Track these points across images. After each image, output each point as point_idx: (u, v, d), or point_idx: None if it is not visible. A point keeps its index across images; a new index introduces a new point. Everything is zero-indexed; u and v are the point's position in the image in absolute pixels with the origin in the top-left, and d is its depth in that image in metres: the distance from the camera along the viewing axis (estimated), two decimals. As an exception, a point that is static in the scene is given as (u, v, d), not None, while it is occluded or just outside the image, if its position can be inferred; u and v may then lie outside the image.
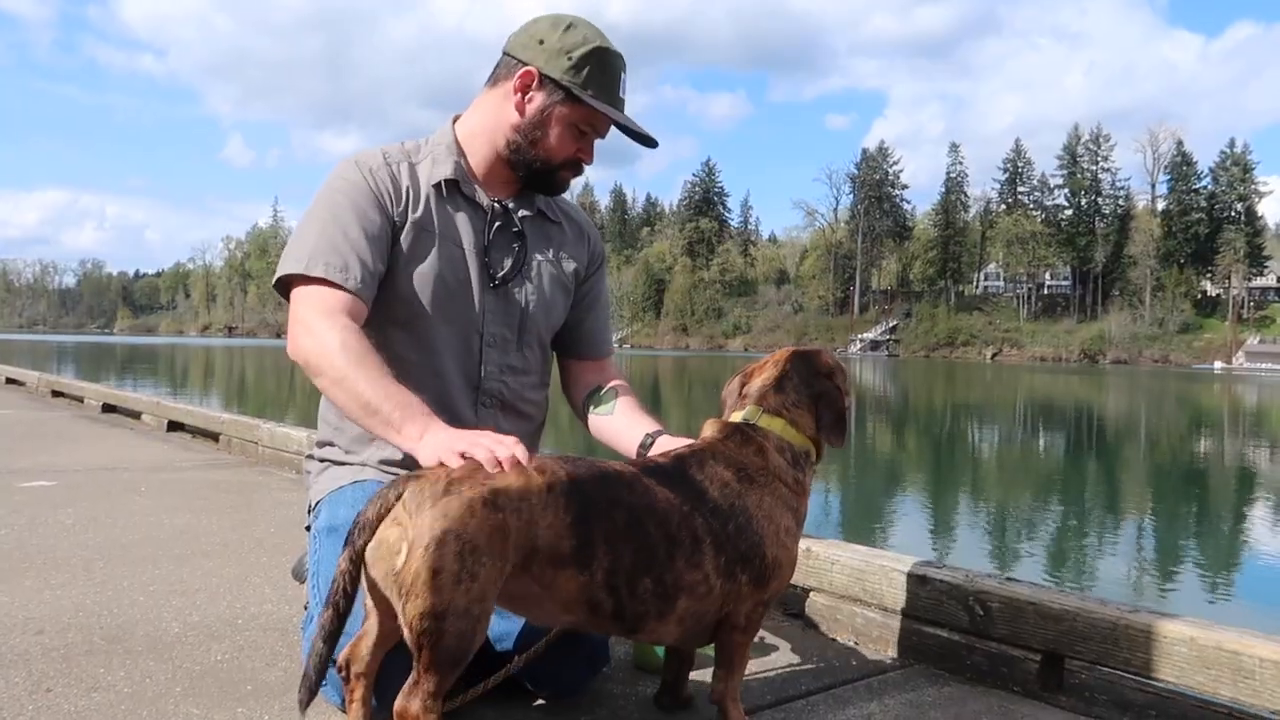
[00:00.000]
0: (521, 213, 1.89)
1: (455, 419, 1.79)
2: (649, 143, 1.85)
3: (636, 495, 1.47)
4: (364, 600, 1.38)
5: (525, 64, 1.78)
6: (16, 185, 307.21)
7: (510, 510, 1.32)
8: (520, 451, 1.40)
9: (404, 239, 1.78)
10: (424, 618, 1.27)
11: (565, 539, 1.38)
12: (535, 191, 1.91)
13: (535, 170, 1.84)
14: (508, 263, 1.85)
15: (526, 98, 1.79)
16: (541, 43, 1.77)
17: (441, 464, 1.38)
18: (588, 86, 1.76)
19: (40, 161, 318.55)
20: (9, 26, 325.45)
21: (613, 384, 1.99)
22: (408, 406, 1.53)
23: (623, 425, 1.89)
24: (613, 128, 1.84)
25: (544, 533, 1.36)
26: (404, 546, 1.27)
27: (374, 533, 1.31)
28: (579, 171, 1.88)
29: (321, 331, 1.62)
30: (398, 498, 1.32)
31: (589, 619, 1.46)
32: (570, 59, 1.75)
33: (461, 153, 1.86)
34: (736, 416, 1.67)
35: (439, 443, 1.45)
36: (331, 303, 1.66)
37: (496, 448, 1.39)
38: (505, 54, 1.84)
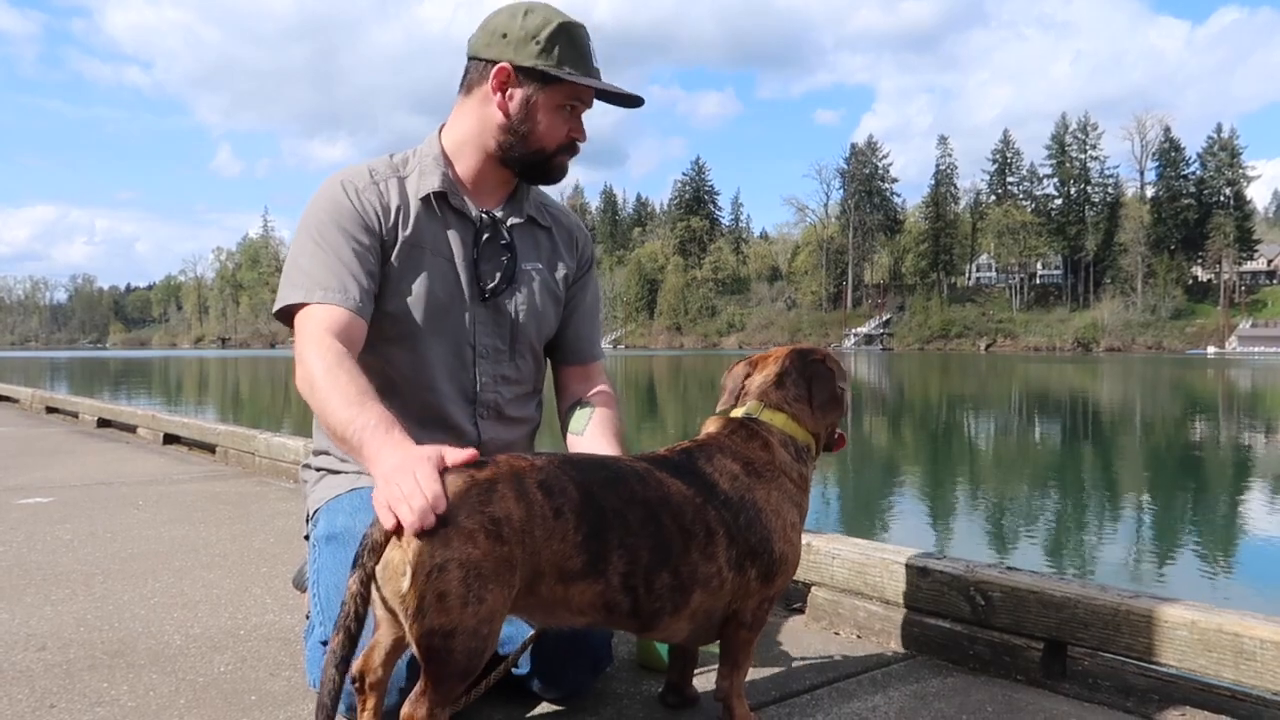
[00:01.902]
0: (511, 220, 1.88)
1: (452, 430, 1.80)
2: (635, 102, 1.84)
3: (650, 489, 1.47)
4: (373, 610, 1.36)
5: (496, 62, 1.76)
6: (5, 202, 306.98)
7: (515, 542, 1.31)
8: (434, 492, 1.27)
9: (396, 258, 1.78)
10: (431, 636, 1.27)
11: (575, 558, 1.37)
12: (534, 183, 1.90)
13: (532, 163, 1.82)
14: (497, 275, 1.84)
15: (507, 95, 1.77)
16: (505, 36, 1.76)
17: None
18: (563, 64, 1.74)
19: (28, 177, 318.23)
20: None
21: (592, 395, 1.97)
22: (365, 429, 1.46)
23: (587, 447, 1.86)
24: (603, 105, 1.84)
25: (552, 557, 1.35)
26: (408, 569, 1.26)
27: (382, 554, 1.29)
28: (575, 152, 1.86)
29: (309, 362, 1.59)
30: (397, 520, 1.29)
31: (605, 619, 1.45)
32: (538, 43, 1.74)
33: (449, 163, 1.85)
34: (738, 412, 1.67)
35: (378, 477, 1.36)
36: (324, 325, 1.64)
37: (411, 498, 1.26)
38: (471, 58, 1.82)
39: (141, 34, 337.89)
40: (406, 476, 1.29)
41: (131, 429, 6.65)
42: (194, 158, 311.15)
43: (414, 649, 1.30)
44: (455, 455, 1.36)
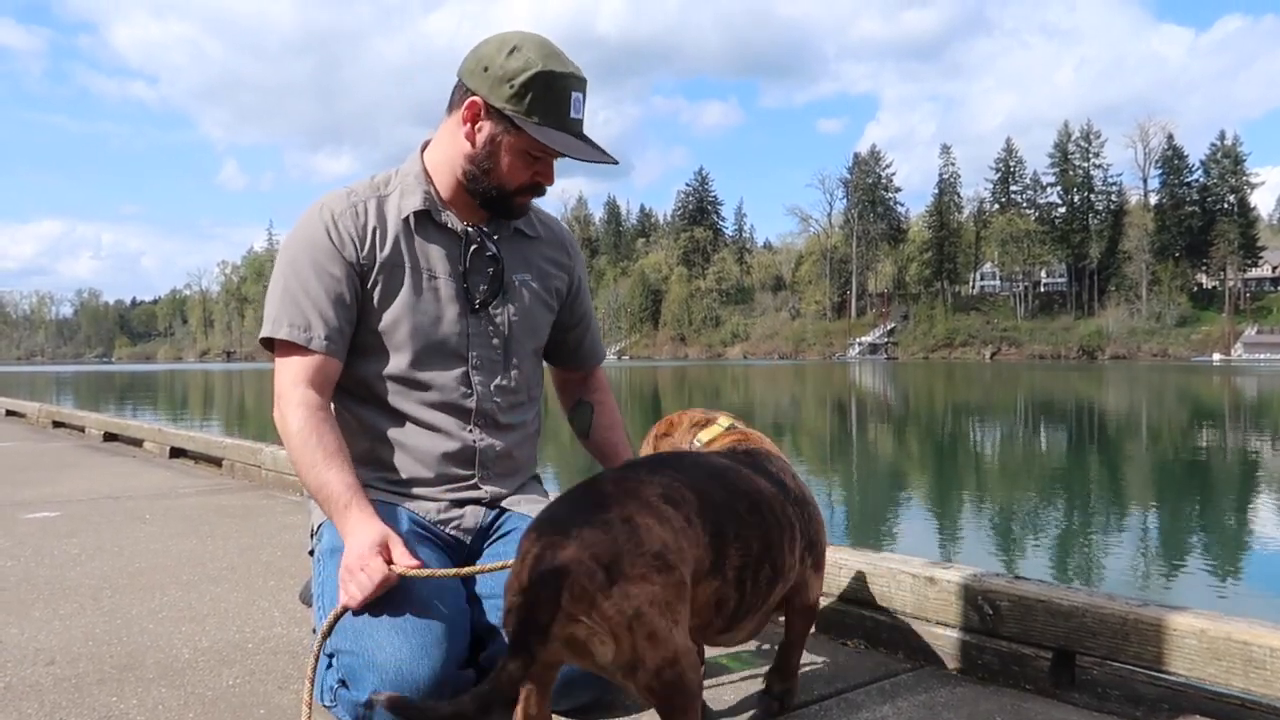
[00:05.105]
0: (499, 233, 1.88)
1: (452, 442, 1.83)
2: (600, 160, 1.76)
3: (745, 482, 1.54)
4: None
5: (472, 93, 1.75)
6: (11, 217, 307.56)
7: (680, 563, 1.33)
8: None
9: (373, 281, 1.79)
10: (662, 672, 1.26)
11: (707, 556, 1.40)
12: (496, 216, 1.88)
13: (491, 197, 1.82)
14: (485, 286, 1.85)
15: (476, 128, 1.76)
16: (486, 70, 1.72)
17: (577, 550, 1.28)
18: (532, 113, 1.70)
19: (34, 193, 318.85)
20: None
21: (593, 394, 2.09)
22: (331, 500, 1.67)
23: (601, 444, 2.05)
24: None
25: (697, 563, 1.38)
26: (608, 639, 1.24)
27: (548, 636, 1.24)
28: (538, 193, 1.84)
29: (285, 411, 1.73)
30: (553, 596, 1.23)
31: (701, 624, 1.44)
32: (512, 87, 1.69)
33: (430, 181, 1.85)
34: (724, 422, 1.84)
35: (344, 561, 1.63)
36: (297, 372, 1.74)
37: (364, 589, 1.56)
38: (459, 78, 1.81)
39: (147, 49, 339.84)
40: (360, 572, 1.57)
41: (138, 443, 6.67)
42: (199, 171, 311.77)
43: (647, 698, 1.29)
44: (401, 555, 1.59)
